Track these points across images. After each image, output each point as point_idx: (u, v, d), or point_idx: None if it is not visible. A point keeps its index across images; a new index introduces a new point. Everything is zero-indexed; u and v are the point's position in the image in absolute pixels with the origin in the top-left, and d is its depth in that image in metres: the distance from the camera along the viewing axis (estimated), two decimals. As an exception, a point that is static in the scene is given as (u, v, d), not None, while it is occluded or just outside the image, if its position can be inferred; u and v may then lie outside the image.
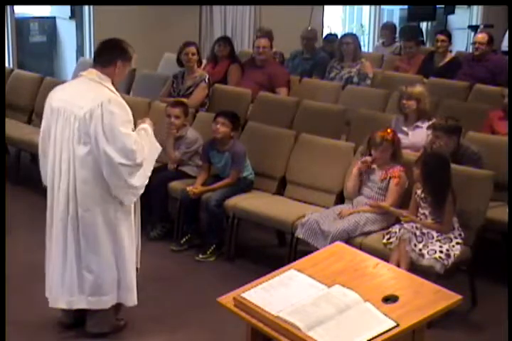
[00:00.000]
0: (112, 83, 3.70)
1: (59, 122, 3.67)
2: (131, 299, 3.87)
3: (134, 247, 3.87)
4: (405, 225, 4.30)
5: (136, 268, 3.92)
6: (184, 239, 5.22)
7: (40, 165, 3.96)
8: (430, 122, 5.28)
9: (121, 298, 3.85)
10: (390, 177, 4.62)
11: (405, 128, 5.42)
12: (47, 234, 3.91)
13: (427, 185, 4.35)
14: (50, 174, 3.79)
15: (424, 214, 4.39)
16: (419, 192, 4.42)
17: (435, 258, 4.13)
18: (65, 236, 3.76)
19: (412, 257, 4.17)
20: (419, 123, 5.40)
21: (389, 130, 4.73)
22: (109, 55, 3.69)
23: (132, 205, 3.81)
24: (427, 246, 4.20)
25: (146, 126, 3.83)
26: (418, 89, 5.40)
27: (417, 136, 5.31)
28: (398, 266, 4.05)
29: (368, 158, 4.70)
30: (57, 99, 3.74)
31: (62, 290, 3.81)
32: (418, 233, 4.25)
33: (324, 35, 9.30)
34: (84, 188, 3.66)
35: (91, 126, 3.54)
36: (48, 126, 3.77)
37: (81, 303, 3.81)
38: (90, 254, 3.73)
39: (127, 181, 3.62)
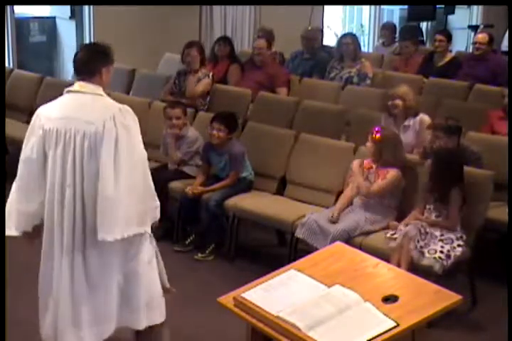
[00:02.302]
0: (103, 89, 3.49)
1: (59, 144, 3.34)
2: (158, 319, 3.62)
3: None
4: (413, 223, 4.33)
5: (165, 288, 3.62)
6: (189, 240, 5.21)
7: (19, 211, 3.47)
8: (418, 117, 5.38)
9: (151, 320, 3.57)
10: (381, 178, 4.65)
11: (396, 130, 5.43)
12: (43, 272, 3.53)
13: (434, 179, 4.37)
14: (49, 209, 3.39)
15: (429, 209, 4.43)
16: (427, 187, 4.45)
17: (435, 258, 4.14)
18: (71, 271, 3.40)
19: (414, 256, 4.18)
20: (406, 123, 5.44)
21: (378, 129, 4.74)
22: (91, 65, 3.43)
23: None
24: (429, 245, 4.22)
25: None
26: (402, 88, 5.47)
27: (408, 136, 5.34)
28: (399, 264, 4.06)
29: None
30: (52, 118, 3.39)
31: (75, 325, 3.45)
32: (422, 231, 4.27)
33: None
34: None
35: (104, 140, 3.25)
36: (42, 151, 3.42)
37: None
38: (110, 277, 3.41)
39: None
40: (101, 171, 3.24)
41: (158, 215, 3.47)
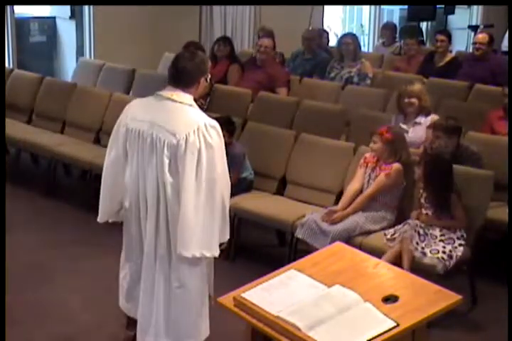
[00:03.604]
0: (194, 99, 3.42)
1: (143, 147, 3.33)
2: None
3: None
4: (410, 222, 4.32)
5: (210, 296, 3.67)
6: None
7: (102, 196, 3.59)
8: (429, 117, 5.37)
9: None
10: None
11: (405, 126, 5.44)
12: (129, 266, 3.63)
13: (428, 185, 4.36)
14: (130, 205, 3.46)
15: (426, 214, 4.39)
16: (421, 191, 4.43)
17: (437, 258, 4.14)
18: (153, 276, 3.46)
19: (416, 255, 4.17)
20: (417, 120, 5.43)
21: (387, 129, 4.72)
22: (192, 75, 3.37)
23: None
24: (430, 246, 4.22)
25: None
26: (417, 86, 5.46)
27: (417, 132, 5.34)
28: (395, 260, 4.06)
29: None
30: (137, 119, 3.39)
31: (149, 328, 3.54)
32: (421, 232, 4.26)
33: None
34: None
35: (186, 154, 3.22)
36: (124, 150, 3.43)
37: None
38: (181, 294, 3.45)
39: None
40: (183, 186, 3.23)
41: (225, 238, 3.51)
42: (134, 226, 3.49)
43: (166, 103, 3.35)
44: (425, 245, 4.22)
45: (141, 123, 3.36)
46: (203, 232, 3.28)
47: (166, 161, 3.26)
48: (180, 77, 3.37)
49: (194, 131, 3.22)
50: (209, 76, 3.48)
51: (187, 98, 3.35)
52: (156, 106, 3.39)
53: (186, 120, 3.28)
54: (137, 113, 3.43)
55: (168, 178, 3.27)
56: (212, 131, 3.28)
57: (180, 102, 3.32)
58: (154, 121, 3.32)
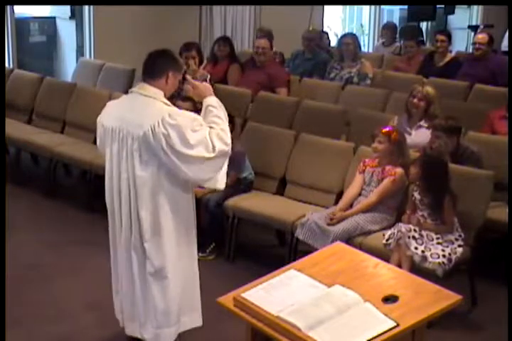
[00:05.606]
0: (164, 95, 3.47)
1: (114, 142, 3.46)
2: (196, 319, 3.75)
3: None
4: (402, 229, 4.28)
5: None
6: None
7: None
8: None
9: (186, 325, 3.73)
10: (387, 177, 4.60)
11: (408, 128, 5.41)
12: (111, 256, 3.76)
13: (424, 186, 4.35)
14: (109, 197, 3.59)
15: (423, 216, 4.38)
16: (415, 194, 4.41)
17: (438, 263, 4.13)
18: (130, 263, 3.61)
19: (415, 260, 4.16)
20: (422, 123, 5.40)
21: (392, 129, 4.72)
22: (159, 67, 3.45)
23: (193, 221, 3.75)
24: (429, 249, 4.19)
25: (212, 100, 3.60)
26: (430, 90, 5.35)
27: (420, 135, 5.29)
28: (399, 266, 4.04)
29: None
30: (110, 117, 3.52)
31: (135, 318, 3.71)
32: (417, 235, 4.24)
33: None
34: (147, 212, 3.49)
35: (156, 143, 3.31)
36: (103, 146, 3.58)
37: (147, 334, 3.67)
38: (157, 282, 3.56)
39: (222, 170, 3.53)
40: (175, 166, 3.36)
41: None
42: (114, 219, 3.63)
43: (135, 97, 3.48)
44: (425, 248, 4.19)
45: (113, 120, 3.49)
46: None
47: (136, 154, 3.39)
48: (146, 70, 3.50)
49: (159, 123, 3.31)
50: (181, 76, 3.57)
51: (152, 91, 3.44)
52: (127, 101, 3.54)
53: (150, 113, 3.37)
54: (111, 111, 3.58)
55: (138, 170, 3.40)
56: (177, 116, 3.35)
57: (145, 95, 3.43)
58: (124, 116, 3.45)
